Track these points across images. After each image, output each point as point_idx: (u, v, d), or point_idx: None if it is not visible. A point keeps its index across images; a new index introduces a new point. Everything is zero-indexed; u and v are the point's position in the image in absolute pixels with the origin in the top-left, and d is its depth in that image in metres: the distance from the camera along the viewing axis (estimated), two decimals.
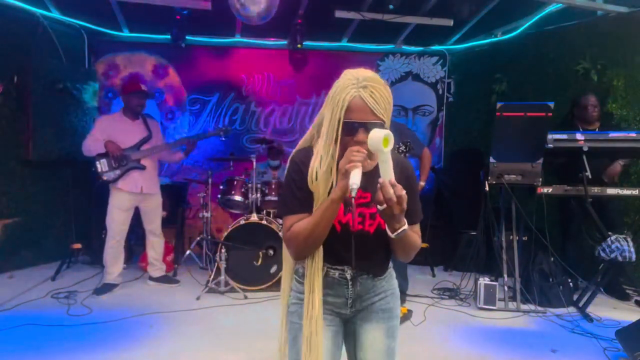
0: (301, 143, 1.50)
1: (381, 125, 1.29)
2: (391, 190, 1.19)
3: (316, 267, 1.40)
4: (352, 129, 1.30)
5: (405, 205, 1.22)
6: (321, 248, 1.39)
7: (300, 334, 1.41)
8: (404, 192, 1.21)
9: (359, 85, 1.29)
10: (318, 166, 1.36)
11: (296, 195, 1.40)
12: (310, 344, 1.38)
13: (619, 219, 4.22)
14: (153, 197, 4.22)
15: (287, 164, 1.47)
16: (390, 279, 1.57)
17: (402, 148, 3.63)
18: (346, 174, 1.24)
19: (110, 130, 4.02)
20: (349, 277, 1.46)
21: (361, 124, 1.28)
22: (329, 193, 1.34)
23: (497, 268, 4.00)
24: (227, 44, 6.01)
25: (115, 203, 4.05)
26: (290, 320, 1.51)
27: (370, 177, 1.35)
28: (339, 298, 1.47)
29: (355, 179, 1.21)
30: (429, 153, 4.13)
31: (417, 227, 1.49)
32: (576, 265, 4.06)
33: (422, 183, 3.93)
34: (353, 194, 1.21)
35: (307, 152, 1.43)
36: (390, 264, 1.57)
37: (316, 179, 1.36)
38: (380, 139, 1.19)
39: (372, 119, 1.28)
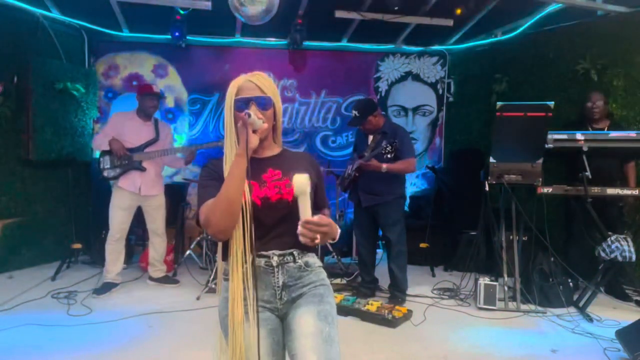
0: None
1: (269, 100, 1.49)
2: (315, 228, 1.32)
3: (235, 254, 1.40)
4: (242, 105, 1.47)
5: (325, 229, 1.34)
6: (239, 235, 1.39)
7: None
8: (324, 219, 1.34)
9: (247, 77, 1.53)
10: (229, 153, 1.48)
11: (207, 187, 1.48)
12: (234, 340, 1.36)
13: (619, 219, 4.22)
14: (154, 197, 4.23)
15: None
16: (319, 273, 1.56)
17: (388, 148, 3.63)
18: (243, 128, 1.41)
19: (120, 128, 4.07)
20: (274, 264, 1.47)
21: (251, 98, 1.47)
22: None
23: (497, 268, 4.00)
24: (227, 44, 6.01)
25: (116, 201, 4.07)
26: (224, 325, 1.46)
27: (277, 160, 1.56)
28: (267, 289, 1.47)
29: (254, 118, 1.41)
30: (412, 162, 3.91)
31: (326, 212, 1.65)
32: (576, 265, 4.06)
33: (384, 166, 3.78)
34: (247, 117, 1.40)
35: (216, 160, 1.55)
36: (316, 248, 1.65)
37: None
38: (306, 181, 1.34)
39: (260, 94, 1.49)
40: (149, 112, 4.17)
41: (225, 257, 1.48)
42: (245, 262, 1.39)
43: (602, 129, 4.10)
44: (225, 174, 1.44)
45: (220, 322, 1.49)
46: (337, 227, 1.44)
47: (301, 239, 1.34)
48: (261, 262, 1.46)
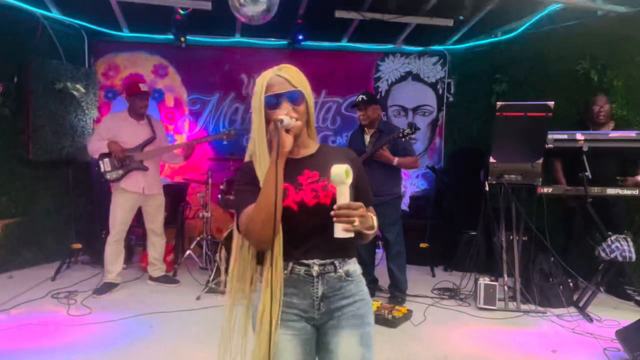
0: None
1: (300, 94, 1.39)
2: (350, 211, 1.25)
3: (273, 260, 1.33)
4: (274, 102, 1.38)
5: (362, 212, 1.27)
6: (280, 240, 1.33)
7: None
8: (360, 208, 1.27)
9: (274, 71, 1.42)
10: (260, 155, 1.40)
11: (243, 192, 1.41)
12: (260, 348, 1.32)
13: (620, 219, 4.21)
14: (155, 197, 4.23)
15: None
16: (360, 284, 1.49)
17: (407, 131, 3.66)
18: (276, 130, 1.31)
19: (115, 130, 4.05)
20: (314, 273, 1.40)
21: (281, 94, 1.38)
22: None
23: (497, 268, 4.00)
24: (227, 44, 6.01)
25: (118, 203, 4.06)
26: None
27: (314, 160, 1.46)
28: (305, 299, 1.40)
29: (286, 120, 1.31)
30: (418, 159, 4.09)
31: (372, 212, 1.51)
32: (576, 265, 4.06)
33: (396, 159, 3.87)
34: (279, 124, 1.30)
35: (250, 163, 1.45)
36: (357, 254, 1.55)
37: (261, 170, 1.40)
38: (343, 172, 1.26)
39: (291, 88, 1.39)
40: (140, 112, 4.15)
41: (260, 260, 1.42)
42: (276, 269, 1.32)
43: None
44: (259, 176, 1.38)
45: (253, 320, 1.47)
46: (374, 217, 1.39)
47: (338, 228, 1.26)
48: (301, 270, 1.39)
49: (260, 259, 1.42)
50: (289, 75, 1.40)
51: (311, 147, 1.50)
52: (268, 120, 1.38)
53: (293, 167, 1.41)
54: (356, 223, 1.25)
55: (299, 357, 1.38)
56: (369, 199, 1.51)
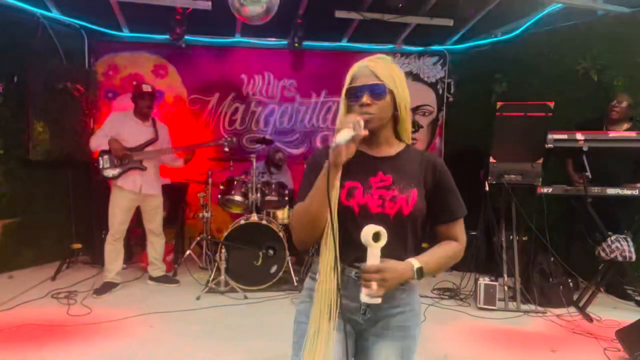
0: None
1: (382, 88, 1.30)
2: (369, 276, 1.21)
3: (329, 258, 1.27)
4: (355, 94, 1.31)
5: (385, 276, 1.22)
6: (334, 239, 1.26)
7: (305, 335, 1.31)
8: (386, 272, 1.22)
9: (363, 62, 1.35)
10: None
11: (307, 186, 1.33)
12: (315, 343, 1.26)
13: (621, 218, 4.21)
14: (153, 197, 4.23)
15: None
16: (412, 293, 1.40)
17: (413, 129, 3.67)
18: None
19: (119, 128, 4.06)
20: None
21: (362, 87, 1.30)
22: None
23: (497, 268, 4.00)
24: (227, 44, 6.01)
25: (115, 201, 4.07)
26: (297, 321, 1.40)
27: (392, 162, 1.37)
28: (353, 302, 1.33)
29: (339, 137, 1.19)
30: None
31: (459, 225, 1.44)
32: (576, 265, 4.06)
33: None
34: (332, 150, 1.20)
35: (327, 150, 1.34)
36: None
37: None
38: (370, 234, 1.21)
39: (374, 81, 1.30)
40: (144, 112, 4.16)
41: (318, 250, 1.36)
42: (335, 272, 1.26)
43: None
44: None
45: (297, 314, 1.42)
46: (410, 269, 1.29)
47: (363, 293, 1.23)
48: (351, 272, 1.33)
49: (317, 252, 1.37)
50: (376, 68, 1.32)
51: (395, 147, 1.40)
52: (349, 112, 1.32)
53: (367, 165, 1.35)
54: (373, 288, 1.20)
55: (337, 356, 1.32)
56: (452, 213, 1.43)
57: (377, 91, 1.30)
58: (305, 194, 1.32)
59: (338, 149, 1.19)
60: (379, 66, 1.32)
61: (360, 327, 1.38)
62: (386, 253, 1.26)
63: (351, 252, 1.30)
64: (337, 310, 1.27)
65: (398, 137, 1.42)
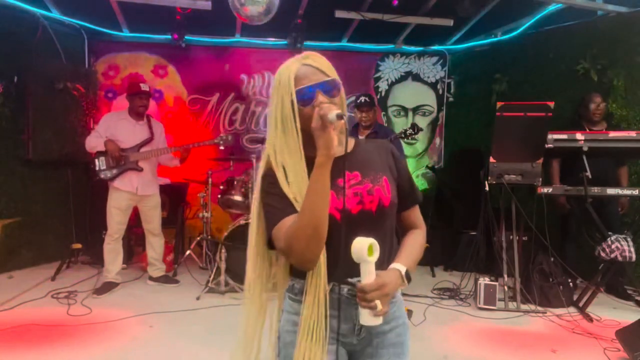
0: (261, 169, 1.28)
1: (336, 84, 1.19)
2: (370, 295, 1.10)
3: (317, 276, 1.16)
4: (308, 95, 1.16)
5: (387, 291, 1.12)
6: (324, 256, 1.16)
7: None
8: (386, 287, 1.12)
9: (299, 60, 1.21)
10: (288, 161, 1.19)
11: (278, 202, 1.19)
12: None
13: (616, 218, 4.22)
14: (150, 197, 4.23)
15: (256, 188, 1.27)
16: (401, 306, 1.33)
17: (410, 131, 3.67)
18: (322, 127, 1.09)
19: (114, 129, 4.05)
20: None
21: (316, 85, 1.17)
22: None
23: (497, 268, 4.00)
24: (227, 44, 6.01)
25: (112, 202, 4.07)
26: (282, 348, 1.29)
27: (353, 157, 1.25)
28: (346, 322, 1.23)
29: (332, 112, 1.09)
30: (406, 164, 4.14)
31: (418, 209, 1.36)
32: (576, 265, 4.06)
33: None
34: (337, 119, 1.08)
35: (272, 170, 1.23)
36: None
37: (286, 179, 1.19)
38: (364, 248, 1.09)
39: (325, 78, 1.19)
40: (139, 112, 4.16)
41: (296, 272, 1.26)
42: (320, 286, 1.17)
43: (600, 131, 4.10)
44: (283, 186, 1.18)
45: (279, 346, 1.31)
46: (402, 268, 1.20)
47: (364, 313, 1.13)
48: (344, 290, 1.21)
49: (296, 271, 1.27)
50: (318, 64, 1.20)
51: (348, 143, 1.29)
52: (303, 120, 1.17)
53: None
54: (379, 308, 1.10)
55: None
56: (414, 197, 1.34)
57: (332, 88, 1.19)
58: (282, 211, 1.17)
59: (332, 136, 1.08)
60: (319, 60, 1.21)
61: (353, 348, 1.28)
62: (380, 252, 1.17)
63: (339, 266, 1.15)
64: (328, 333, 1.18)
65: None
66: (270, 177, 1.22)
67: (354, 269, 1.14)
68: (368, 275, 1.12)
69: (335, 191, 1.17)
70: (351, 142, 1.28)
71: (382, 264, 1.20)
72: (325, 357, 1.17)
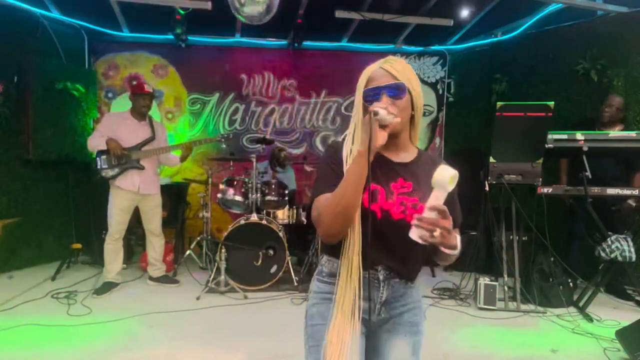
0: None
1: (402, 87, 1.28)
2: (438, 222, 1.16)
3: (351, 261, 1.27)
4: (372, 96, 1.28)
5: (448, 223, 1.17)
6: (359, 243, 1.26)
7: (323, 336, 1.29)
8: (448, 220, 1.17)
9: (379, 63, 1.33)
10: (350, 146, 1.32)
11: (329, 176, 1.31)
12: (339, 348, 1.25)
13: (619, 218, 4.21)
14: (151, 197, 4.22)
15: (323, 153, 1.42)
16: (418, 290, 1.45)
17: None
18: (367, 121, 1.20)
19: (115, 128, 4.05)
20: (381, 277, 1.35)
21: (381, 87, 1.28)
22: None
23: (497, 268, 4.00)
24: (227, 44, 6.01)
25: (114, 201, 4.06)
26: (310, 324, 1.38)
27: (411, 168, 1.36)
28: (367, 301, 1.33)
29: (375, 108, 1.20)
30: None
31: (456, 232, 1.41)
32: (576, 265, 4.06)
33: None
34: (375, 115, 1.19)
35: (340, 142, 1.38)
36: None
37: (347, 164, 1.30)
38: (448, 176, 1.17)
39: (392, 81, 1.28)
40: (142, 112, 4.16)
41: (331, 252, 1.35)
42: (359, 271, 1.27)
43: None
44: (345, 164, 1.29)
45: (309, 317, 1.40)
46: (458, 237, 1.28)
47: (415, 232, 1.17)
48: (365, 274, 1.30)
49: (330, 250, 1.36)
50: (392, 68, 1.30)
51: (411, 151, 1.41)
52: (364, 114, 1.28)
53: (388, 170, 1.34)
54: (436, 234, 1.15)
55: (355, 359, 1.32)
56: (456, 219, 1.39)
57: (397, 91, 1.28)
58: (328, 184, 1.29)
59: (377, 131, 1.19)
60: (395, 66, 1.31)
61: (372, 327, 1.39)
62: (401, 265, 1.33)
63: (368, 258, 1.27)
64: (360, 314, 1.28)
65: (411, 140, 1.41)
66: (333, 150, 1.36)
67: (379, 257, 1.31)
68: (437, 202, 1.18)
69: (386, 193, 1.30)
70: (414, 151, 1.41)
71: (406, 283, 1.37)
72: (354, 332, 1.27)
